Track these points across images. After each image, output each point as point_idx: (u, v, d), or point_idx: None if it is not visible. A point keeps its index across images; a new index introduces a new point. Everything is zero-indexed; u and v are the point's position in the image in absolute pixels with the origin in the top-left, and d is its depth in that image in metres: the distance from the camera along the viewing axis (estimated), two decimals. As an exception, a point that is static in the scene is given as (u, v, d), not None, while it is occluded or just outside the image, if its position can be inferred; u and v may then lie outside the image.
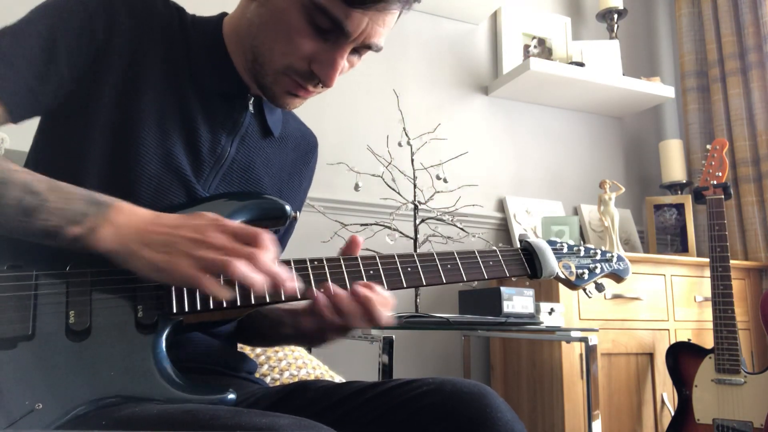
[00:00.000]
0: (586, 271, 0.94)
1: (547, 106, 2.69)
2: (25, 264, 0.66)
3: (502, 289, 1.77)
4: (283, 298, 0.72)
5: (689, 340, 2.10)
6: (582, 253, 0.95)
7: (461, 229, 1.99)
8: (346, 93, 2.30)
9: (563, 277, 0.91)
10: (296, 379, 1.38)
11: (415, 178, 1.96)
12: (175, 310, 0.69)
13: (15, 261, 0.66)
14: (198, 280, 0.64)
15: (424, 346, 2.27)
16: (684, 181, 2.64)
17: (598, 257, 0.96)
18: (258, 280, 0.65)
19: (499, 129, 2.57)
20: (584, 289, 0.96)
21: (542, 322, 1.78)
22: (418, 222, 1.94)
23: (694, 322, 2.25)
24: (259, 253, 0.66)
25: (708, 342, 2.05)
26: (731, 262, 2.04)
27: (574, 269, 0.93)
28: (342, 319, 0.75)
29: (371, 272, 0.78)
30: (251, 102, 0.87)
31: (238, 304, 0.69)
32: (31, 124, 0.80)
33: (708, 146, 2.21)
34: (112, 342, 0.66)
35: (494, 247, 0.88)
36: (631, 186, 2.80)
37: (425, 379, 0.79)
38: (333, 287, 0.74)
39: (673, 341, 2.16)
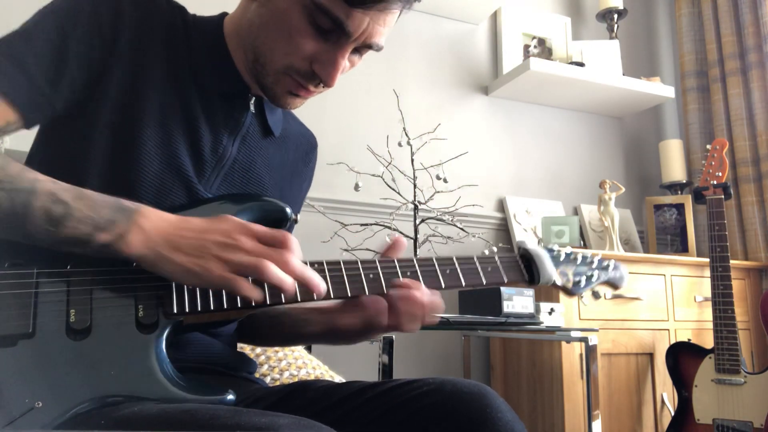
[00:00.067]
0: (583, 278, 0.94)
1: (547, 106, 2.69)
2: (26, 262, 0.66)
3: (502, 289, 1.76)
4: (314, 298, 0.74)
5: (689, 340, 2.10)
6: (579, 261, 0.96)
7: (461, 229, 1.99)
8: (346, 93, 2.30)
9: (560, 284, 0.92)
10: (296, 379, 1.38)
11: (415, 178, 1.96)
12: (175, 310, 0.69)
13: (15, 259, 0.67)
14: (232, 282, 0.66)
15: (424, 346, 2.27)
16: (684, 181, 2.65)
17: (595, 265, 0.97)
18: (289, 281, 0.67)
19: (499, 129, 2.57)
20: (581, 297, 0.96)
21: (542, 322, 1.78)
22: (418, 222, 1.94)
23: (694, 322, 2.25)
24: (288, 255, 0.68)
25: (708, 342, 2.05)
26: (731, 262, 2.04)
27: (571, 276, 0.93)
28: (394, 320, 0.78)
29: (371, 276, 0.79)
30: (252, 102, 0.87)
31: (268, 303, 0.71)
32: (31, 124, 0.80)
33: (708, 146, 2.21)
34: (113, 341, 0.66)
35: (493, 254, 0.88)
36: (631, 186, 2.80)
37: (425, 379, 0.79)
38: (406, 285, 0.78)
39: (673, 341, 2.16)
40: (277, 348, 1.45)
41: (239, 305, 0.71)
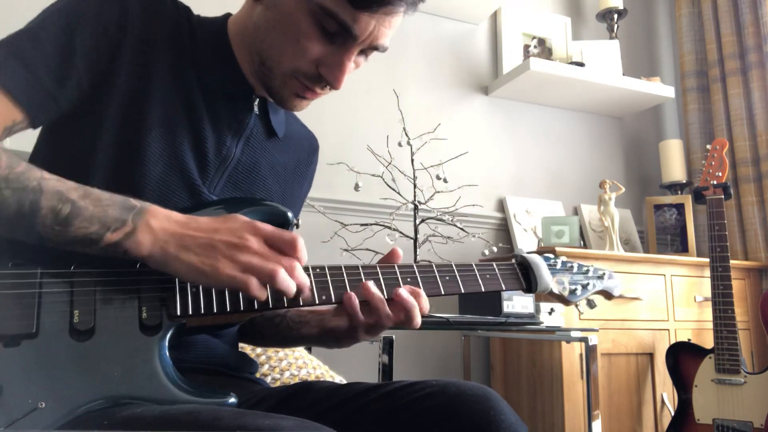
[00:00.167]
0: (579, 287, 0.96)
1: (547, 106, 2.69)
2: (29, 262, 0.66)
3: (503, 289, 1.76)
4: (316, 303, 0.75)
5: (689, 340, 2.11)
6: (575, 270, 0.98)
7: (461, 229, 1.99)
8: (346, 93, 2.30)
9: (557, 292, 0.94)
10: (297, 379, 1.38)
11: (415, 178, 1.96)
12: (179, 312, 0.69)
13: (19, 259, 0.66)
14: (242, 282, 0.65)
15: (424, 346, 2.27)
16: (684, 181, 2.65)
17: (591, 274, 0.99)
18: (294, 289, 0.68)
19: (499, 129, 2.57)
20: (576, 305, 0.98)
21: (542, 322, 1.78)
22: (418, 222, 1.94)
23: (694, 322, 2.25)
24: (295, 262, 0.69)
25: (708, 342, 2.05)
26: (731, 262, 2.05)
27: (567, 285, 0.95)
28: (373, 318, 0.78)
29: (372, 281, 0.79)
30: (256, 103, 0.87)
31: (270, 306, 0.71)
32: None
33: (708, 146, 2.21)
34: (116, 342, 0.66)
35: (492, 264, 0.90)
36: (631, 186, 2.80)
37: (428, 381, 0.79)
38: (371, 288, 0.77)
39: (673, 341, 2.16)
40: (277, 348, 1.45)
41: (242, 308, 0.71)
